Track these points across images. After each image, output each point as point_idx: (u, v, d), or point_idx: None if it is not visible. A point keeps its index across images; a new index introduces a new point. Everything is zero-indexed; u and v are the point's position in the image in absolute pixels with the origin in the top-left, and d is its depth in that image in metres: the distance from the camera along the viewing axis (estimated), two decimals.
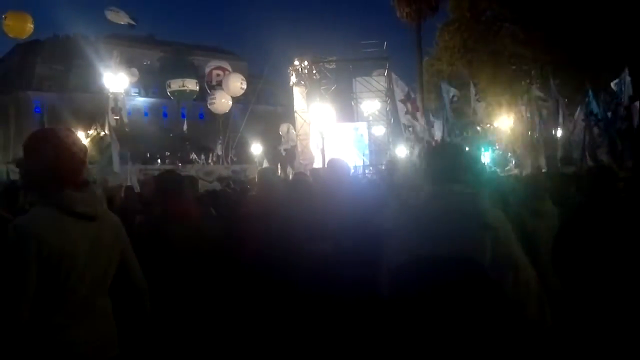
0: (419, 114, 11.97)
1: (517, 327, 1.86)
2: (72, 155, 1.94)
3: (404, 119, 11.86)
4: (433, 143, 10.34)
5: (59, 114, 28.87)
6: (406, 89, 12.08)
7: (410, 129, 12.44)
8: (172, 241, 2.95)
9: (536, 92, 10.88)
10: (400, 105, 11.72)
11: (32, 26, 10.41)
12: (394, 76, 14.66)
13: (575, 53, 20.18)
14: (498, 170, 9.26)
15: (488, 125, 19.81)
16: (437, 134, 10.28)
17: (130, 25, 22.26)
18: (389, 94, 12.09)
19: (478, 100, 11.79)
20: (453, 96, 10.08)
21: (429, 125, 11.18)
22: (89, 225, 1.91)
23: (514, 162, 11.64)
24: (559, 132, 10.65)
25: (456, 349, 1.85)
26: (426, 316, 1.89)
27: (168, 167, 22.55)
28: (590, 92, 11.71)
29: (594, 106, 11.37)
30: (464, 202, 2.07)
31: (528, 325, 1.90)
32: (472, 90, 11.87)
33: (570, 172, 5.90)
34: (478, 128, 11.46)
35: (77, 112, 24.74)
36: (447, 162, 2.19)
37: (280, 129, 22.36)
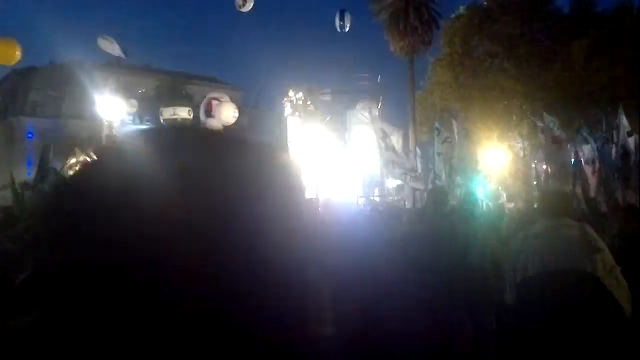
0: (397, 148, 12.20)
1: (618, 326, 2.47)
2: None
3: (385, 155, 12.10)
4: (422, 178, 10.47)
5: (52, 139, 28.82)
6: (380, 127, 12.42)
7: (392, 163, 12.66)
8: None
9: (540, 123, 11.09)
10: (380, 143, 11.98)
11: (19, 53, 10.33)
12: (373, 112, 14.86)
13: (564, 89, 20.59)
14: (490, 203, 9.32)
15: (477, 160, 20.02)
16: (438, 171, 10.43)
17: (121, 57, 22.34)
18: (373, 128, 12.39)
19: (466, 135, 11.99)
20: (447, 137, 10.27)
21: (420, 158, 11.34)
22: None
23: (505, 195, 11.73)
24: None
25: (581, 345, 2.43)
26: (552, 318, 2.39)
27: None
28: (583, 129, 11.92)
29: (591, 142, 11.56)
30: (576, 230, 2.69)
31: (625, 322, 2.50)
32: (460, 125, 12.09)
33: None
34: (475, 160, 11.63)
35: (70, 138, 24.73)
36: (558, 203, 3.21)
37: None
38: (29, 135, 36.69)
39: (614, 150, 9.71)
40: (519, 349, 2.78)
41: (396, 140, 12.26)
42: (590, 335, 2.48)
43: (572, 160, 12.15)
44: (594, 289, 2.68)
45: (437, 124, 11.70)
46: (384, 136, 11.49)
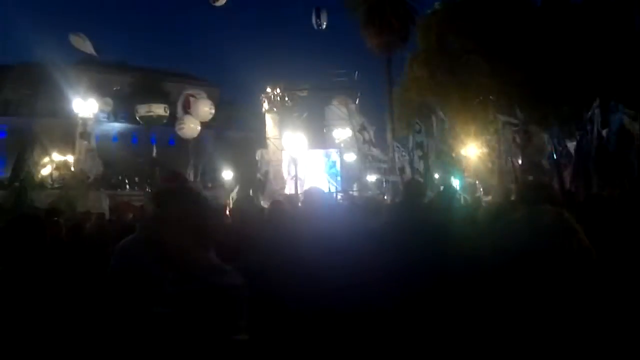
0: (374, 142, 12.29)
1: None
2: None
3: (363, 148, 12.15)
4: (399, 174, 10.58)
5: (24, 138, 28.27)
6: (361, 120, 12.43)
7: (370, 157, 12.73)
8: None
9: (502, 118, 11.25)
10: (357, 135, 12.01)
11: None
12: (351, 107, 14.92)
13: (538, 86, 20.91)
14: (467, 197, 9.45)
15: (454, 154, 20.24)
16: (405, 165, 10.52)
17: (93, 55, 21.91)
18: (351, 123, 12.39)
19: (446, 128, 12.10)
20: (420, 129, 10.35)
21: (399, 152, 11.41)
22: None
23: (482, 189, 11.89)
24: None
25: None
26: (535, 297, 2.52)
27: (137, 193, 22.17)
28: (553, 124, 12.14)
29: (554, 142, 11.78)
30: (554, 214, 2.83)
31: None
32: (438, 119, 12.18)
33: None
34: (452, 154, 11.77)
35: (45, 137, 24.29)
36: (537, 191, 3.58)
37: (256, 154, 22.38)
38: (1, 134, 35.91)
39: (591, 142, 9.90)
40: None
41: (372, 135, 12.30)
42: (572, 312, 2.64)
43: (548, 154, 12.39)
44: (572, 269, 2.88)
45: (417, 120, 11.79)
46: (361, 129, 11.55)
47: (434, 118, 12.25)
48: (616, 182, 8.73)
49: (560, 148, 10.71)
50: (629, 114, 9.52)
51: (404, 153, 10.57)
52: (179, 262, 2.02)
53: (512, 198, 8.15)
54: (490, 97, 23.39)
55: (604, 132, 9.60)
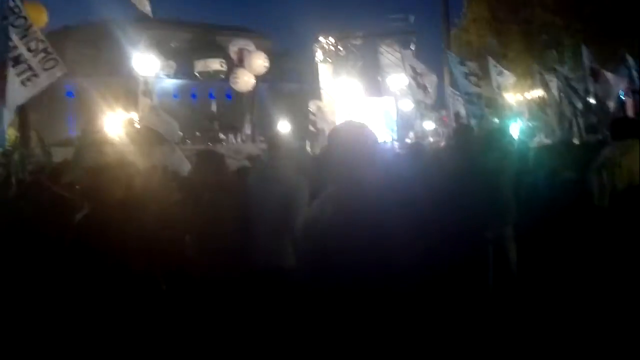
0: (430, 89, 11.88)
1: None
2: None
3: (417, 94, 11.80)
4: (454, 119, 10.32)
5: (90, 98, 29.49)
6: (415, 66, 12.00)
7: (423, 104, 12.41)
8: None
9: (564, 72, 10.68)
10: (411, 82, 11.64)
11: (45, 16, 10.52)
12: (404, 52, 14.43)
13: (607, 20, 19.56)
14: (527, 140, 9.18)
15: (517, 95, 19.45)
16: (462, 110, 10.21)
17: (146, 14, 22.15)
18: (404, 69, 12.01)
19: (500, 74, 11.62)
20: (466, 73, 9.92)
21: (453, 98, 11.09)
22: None
23: (543, 133, 11.49)
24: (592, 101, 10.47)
25: None
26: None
27: (200, 147, 22.83)
28: (629, 60, 11.39)
29: (633, 75, 11.09)
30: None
31: None
32: (491, 63, 11.72)
33: (594, 141, 5.95)
34: (501, 101, 11.32)
35: (107, 95, 25.23)
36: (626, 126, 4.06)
37: (309, 106, 22.42)
38: (69, 94, 37.57)
39: None
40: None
41: (430, 83, 11.96)
42: None
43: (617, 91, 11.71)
44: None
45: (452, 56, 11.29)
46: (415, 75, 11.23)
47: (489, 59, 11.78)
48: None
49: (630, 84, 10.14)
50: None
51: (458, 98, 10.28)
52: None
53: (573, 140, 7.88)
54: (556, 35, 22.13)
55: None
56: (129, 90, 22.76)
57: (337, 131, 2.25)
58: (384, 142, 15.37)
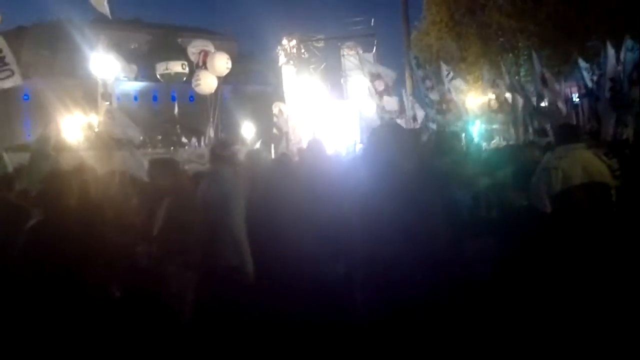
0: (385, 95, 12.06)
1: None
2: None
3: (375, 99, 11.95)
4: (413, 123, 10.52)
5: (47, 100, 28.69)
6: (373, 69, 12.13)
7: (380, 107, 12.60)
8: None
9: (517, 77, 11.02)
10: (369, 86, 11.79)
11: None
12: (362, 55, 14.55)
13: (561, 23, 20.22)
14: (484, 143, 9.44)
15: (478, 99, 19.86)
16: (419, 114, 10.40)
17: (104, 14, 21.67)
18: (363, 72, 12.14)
19: (452, 79, 11.86)
20: (422, 77, 10.11)
21: (413, 102, 11.28)
22: None
23: (500, 136, 11.82)
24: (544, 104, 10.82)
25: None
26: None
27: (162, 152, 22.47)
28: (580, 64, 11.78)
29: (585, 78, 11.48)
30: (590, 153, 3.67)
31: None
32: (443, 70, 11.93)
33: (542, 143, 6.21)
34: (459, 105, 11.58)
35: (64, 97, 24.58)
36: (570, 132, 4.44)
37: (273, 108, 22.36)
38: (25, 97, 36.46)
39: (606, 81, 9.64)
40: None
41: (390, 84, 12.10)
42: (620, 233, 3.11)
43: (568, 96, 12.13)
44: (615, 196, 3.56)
45: (414, 61, 11.45)
46: (373, 79, 11.37)
47: (442, 65, 12.02)
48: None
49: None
50: None
51: (416, 102, 10.45)
52: None
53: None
54: (512, 38, 22.71)
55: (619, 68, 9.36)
56: (87, 93, 22.25)
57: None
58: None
